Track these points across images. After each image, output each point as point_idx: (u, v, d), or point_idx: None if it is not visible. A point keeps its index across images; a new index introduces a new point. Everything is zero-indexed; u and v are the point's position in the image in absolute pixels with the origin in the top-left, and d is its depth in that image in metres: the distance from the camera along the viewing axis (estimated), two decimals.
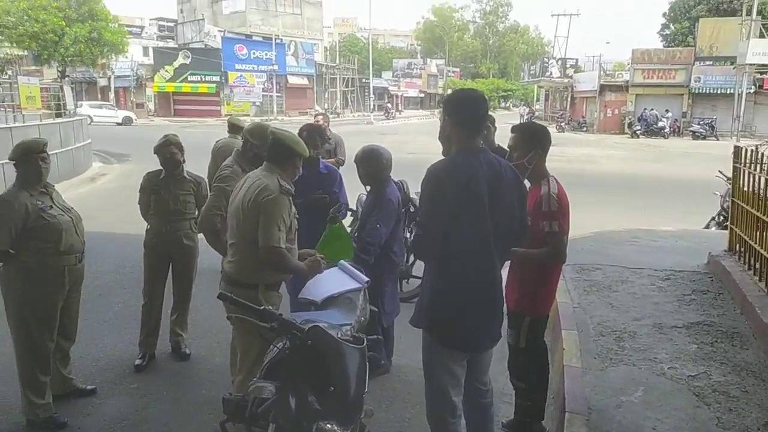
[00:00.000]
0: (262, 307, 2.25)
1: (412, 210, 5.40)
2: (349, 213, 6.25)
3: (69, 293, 3.53)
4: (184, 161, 4.27)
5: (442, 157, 2.58)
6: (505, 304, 2.72)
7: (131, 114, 37.88)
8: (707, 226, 8.31)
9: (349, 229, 6.91)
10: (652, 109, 33.50)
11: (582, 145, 26.42)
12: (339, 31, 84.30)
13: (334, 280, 3.29)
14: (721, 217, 8.12)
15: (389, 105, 51.65)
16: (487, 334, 2.60)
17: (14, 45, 28.28)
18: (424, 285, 2.64)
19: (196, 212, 4.24)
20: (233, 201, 3.09)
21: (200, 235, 4.11)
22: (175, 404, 3.75)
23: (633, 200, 11.56)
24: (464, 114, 2.52)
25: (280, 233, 2.89)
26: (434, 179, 2.43)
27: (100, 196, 12.01)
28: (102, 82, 47.22)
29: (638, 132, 32.47)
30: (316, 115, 7.50)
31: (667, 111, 33.33)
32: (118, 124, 34.21)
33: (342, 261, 3.53)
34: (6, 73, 20.04)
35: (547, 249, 2.86)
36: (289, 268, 3.03)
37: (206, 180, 4.50)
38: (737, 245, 5.47)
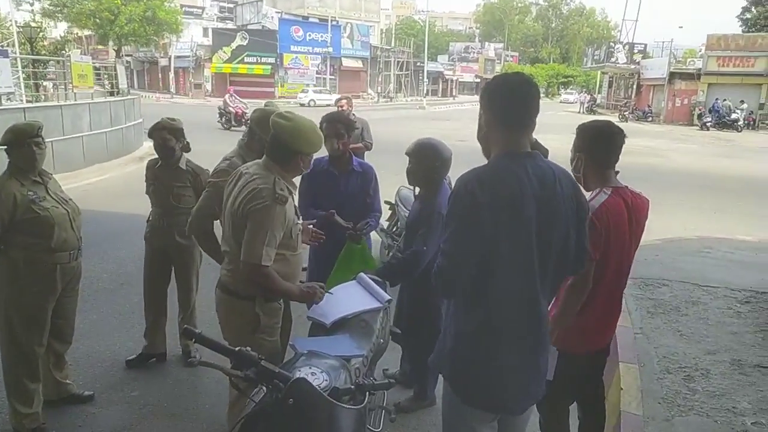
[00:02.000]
0: (238, 348, 1.78)
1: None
2: (386, 206, 5.74)
3: (63, 293, 3.20)
4: (183, 148, 3.83)
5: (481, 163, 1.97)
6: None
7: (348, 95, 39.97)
8: None
9: (386, 224, 6.47)
10: (725, 100, 31.25)
11: (647, 136, 24.83)
12: (397, 13, 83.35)
13: (349, 297, 2.83)
14: None
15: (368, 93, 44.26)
16: (525, 393, 2.01)
17: (72, 24, 29.08)
18: (447, 322, 2.06)
19: None
20: (225, 200, 2.63)
21: None
22: (174, 419, 3.40)
23: (704, 201, 10.51)
24: (506, 107, 1.91)
25: (268, 249, 2.41)
26: (466, 194, 1.82)
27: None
28: (163, 62, 48.39)
29: (708, 124, 30.42)
30: (338, 100, 6.96)
31: (742, 102, 31.00)
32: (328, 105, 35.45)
33: (362, 273, 3.06)
34: (66, 52, 20.51)
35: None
36: (276, 290, 2.54)
37: (209, 171, 3.85)
38: None
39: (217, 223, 3.06)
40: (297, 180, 2.73)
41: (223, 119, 20.34)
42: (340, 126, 3.61)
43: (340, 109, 6.37)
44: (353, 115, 5.65)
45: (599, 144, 2.49)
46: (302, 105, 36.42)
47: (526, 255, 1.86)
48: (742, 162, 17.43)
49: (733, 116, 30.43)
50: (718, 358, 3.67)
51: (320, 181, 3.63)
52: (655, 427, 2.92)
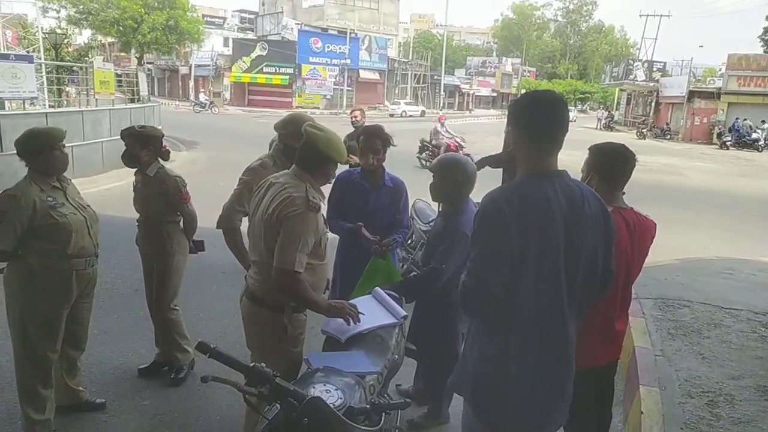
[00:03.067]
0: (252, 365, 1.74)
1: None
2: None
3: (78, 299, 3.20)
4: (154, 156, 3.73)
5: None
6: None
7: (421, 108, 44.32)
8: None
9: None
10: (746, 119, 30.84)
11: (665, 154, 24.57)
12: (415, 27, 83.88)
13: (364, 312, 2.77)
14: None
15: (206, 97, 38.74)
16: (549, 420, 1.97)
17: (96, 31, 29.61)
18: (469, 343, 2.01)
19: (171, 215, 3.78)
20: (254, 211, 2.64)
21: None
22: (185, 430, 3.37)
23: (724, 221, 10.32)
24: (536, 123, 1.89)
25: (300, 255, 2.42)
26: (494, 213, 1.80)
27: None
28: (183, 70, 49.04)
29: (728, 143, 30.01)
30: (352, 111, 6.93)
31: (763, 122, 30.58)
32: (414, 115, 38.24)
33: (377, 288, 3.02)
34: (89, 59, 20.87)
35: None
36: (305, 299, 2.53)
37: (178, 178, 3.80)
38: None
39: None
40: (325, 190, 2.74)
41: (425, 153, 14.79)
42: (378, 141, 3.53)
43: (354, 120, 6.35)
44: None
45: (613, 165, 2.54)
46: (392, 116, 39.11)
47: (554, 276, 1.83)
48: (763, 182, 17.14)
49: (754, 136, 30.01)
50: (742, 384, 3.56)
51: (351, 194, 3.60)
52: None
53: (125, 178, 11.81)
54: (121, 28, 28.05)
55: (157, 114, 16.23)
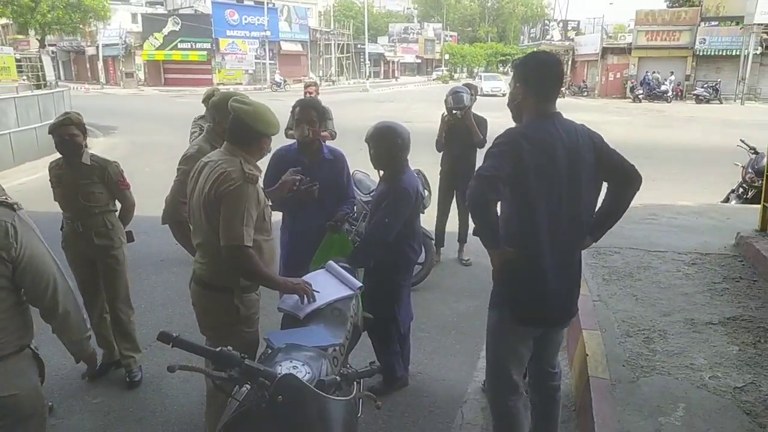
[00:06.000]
0: (219, 349, 1.71)
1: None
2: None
3: None
4: (86, 145, 3.54)
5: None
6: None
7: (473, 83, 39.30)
8: (726, 200, 7.78)
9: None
10: (655, 72, 32.65)
11: (583, 110, 25.57)
12: None
13: (320, 287, 2.77)
14: (742, 190, 7.60)
15: None
16: (564, 308, 2.51)
17: None
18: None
19: (111, 204, 3.60)
20: (191, 193, 2.56)
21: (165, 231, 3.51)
22: (141, 424, 3.27)
23: (642, 171, 10.85)
24: (539, 79, 2.33)
25: (247, 229, 2.37)
26: (510, 141, 2.26)
27: None
28: (90, 51, 45.93)
29: (640, 96, 31.73)
30: (307, 85, 6.79)
31: (671, 73, 32.47)
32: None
33: (330, 261, 3.01)
34: None
35: None
36: (260, 275, 2.48)
37: (117, 163, 3.63)
38: None
39: None
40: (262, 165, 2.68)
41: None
42: (314, 113, 3.48)
43: (308, 95, 6.20)
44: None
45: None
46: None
47: (561, 201, 2.31)
48: (673, 131, 18.30)
49: (663, 88, 31.86)
50: (672, 319, 3.85)
51: (288, 169, 3.52)
52: (622, 389, 3.03)
53: (40, 170, 11.07)
54: (16, 7, 25.54)
55: (68, 99, 15.16)
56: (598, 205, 2.55)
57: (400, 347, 3.62)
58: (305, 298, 2.56)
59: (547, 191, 2.27)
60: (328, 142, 3.99)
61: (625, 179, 2.51)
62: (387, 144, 3.26)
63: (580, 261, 2.52)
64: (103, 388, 3.61)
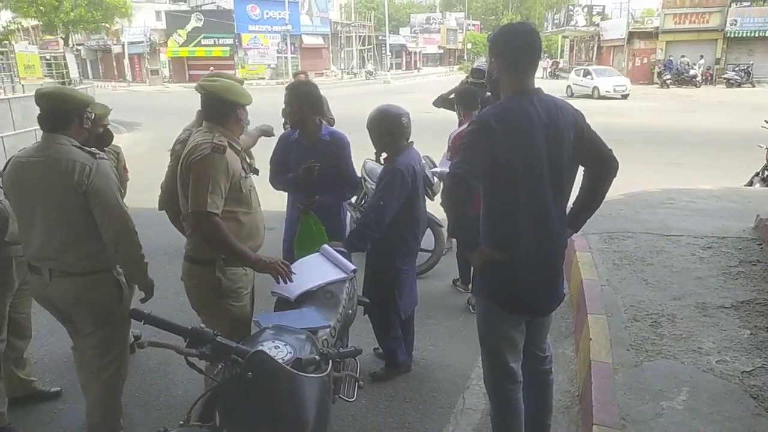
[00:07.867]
0: (192, 327, 1.72)
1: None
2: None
3: (21, 287, 3.09)
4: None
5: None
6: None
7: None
8: (750, 183, 7.55)
9: (354, 198, 6.42)
10: (683, 57, 31.71)
11: (609, 96, 25.09)
12: None
13: (312, 270, 2.78)
14: (766, 173, 7.36)
15: None
16: (549, 297, 2.43)
17: (15, 13, 27.52)
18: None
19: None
20: (178, 177, 2.60)
21: None
22: (147, 409, 3.34)
23: (666, 155, 10.69)
24: (514, 52, 2.21)
25: (213, 197, 2.39)
26: (482, 124, 2.15)
27: None
28: (116, 49, 46.71)
29: (668, 81, 30.87)
30: (296, 74, 6.84)
31: (701, 57, 31.51)
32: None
33: (325, 245, 3.02)
34: (11, 43, 19.53)
35: None
36: (226, 245, 2.45)
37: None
38: None
39: None
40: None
41: None
42: (294, 94, 3.55)
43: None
44: None
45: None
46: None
47: (539, 182, 2.19)
48: (701, 116, 17.77)
49: (692, 72, 30.94)
50: (683, 303, 3.75)
51: (292, 152, 3.59)
52: (624, 373, 2.97)
53: None
54: (40, 7, 25.99)
55: (93, 96, 15.49)
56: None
57: (403, 333, 3.61)
58: (279, 279, 2.55)
59: (525, 177, 2.16)
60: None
61: (602, 165, 2.40)
62: (380, 126, 3.28)
63: (563, 249, 2.44)
64: None
